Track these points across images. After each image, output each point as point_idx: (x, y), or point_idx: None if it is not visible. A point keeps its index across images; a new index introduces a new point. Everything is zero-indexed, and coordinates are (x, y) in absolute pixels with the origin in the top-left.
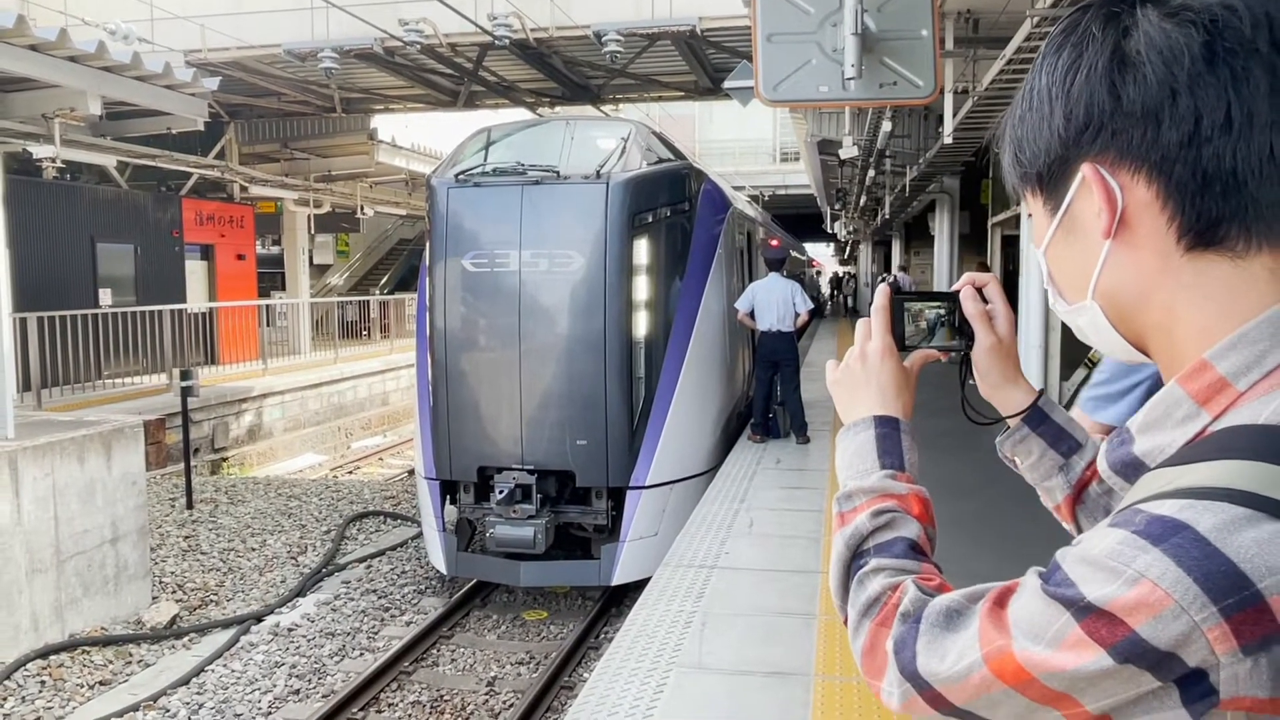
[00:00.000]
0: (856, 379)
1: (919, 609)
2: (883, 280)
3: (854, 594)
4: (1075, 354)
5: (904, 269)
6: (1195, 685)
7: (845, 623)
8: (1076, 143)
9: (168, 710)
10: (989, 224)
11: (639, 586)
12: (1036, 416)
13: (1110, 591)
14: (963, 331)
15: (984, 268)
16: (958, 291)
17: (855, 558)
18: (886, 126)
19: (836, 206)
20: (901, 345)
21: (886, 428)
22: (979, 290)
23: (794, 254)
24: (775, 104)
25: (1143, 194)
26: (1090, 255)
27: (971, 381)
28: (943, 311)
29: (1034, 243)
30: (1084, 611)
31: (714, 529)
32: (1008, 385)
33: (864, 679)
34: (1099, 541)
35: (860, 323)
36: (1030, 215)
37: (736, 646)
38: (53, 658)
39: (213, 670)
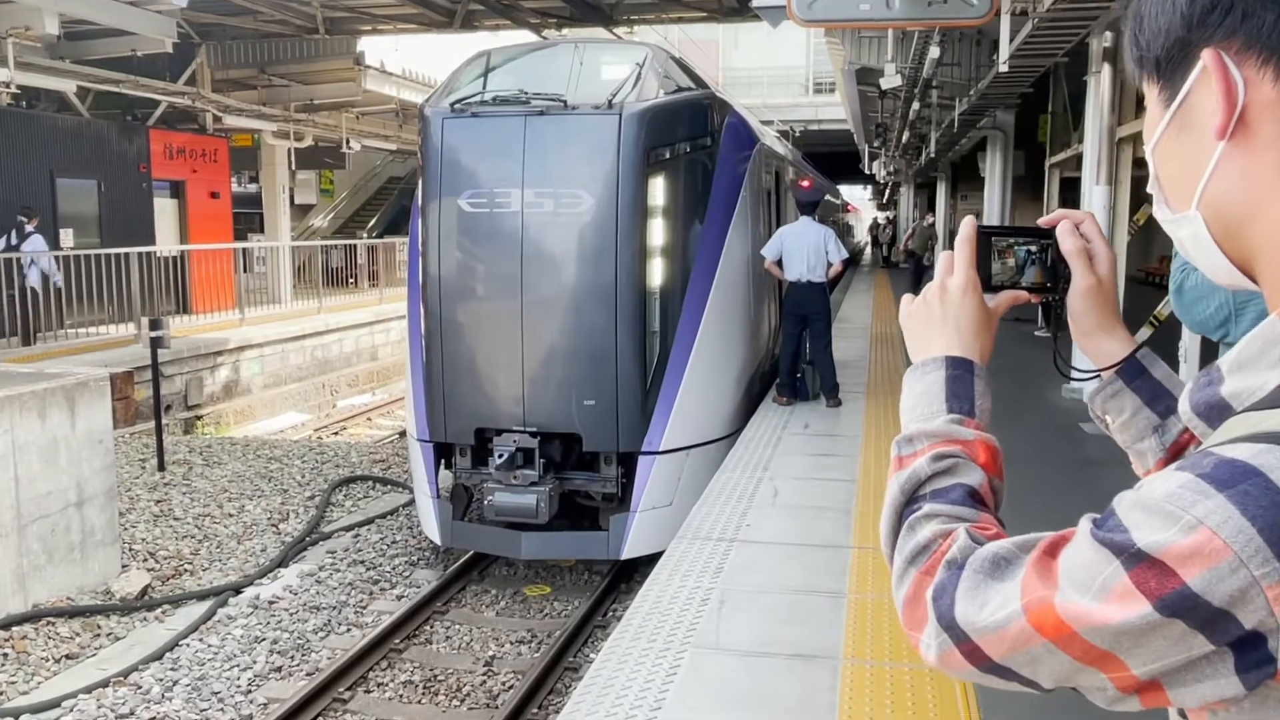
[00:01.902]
0: (933, 314)
1: (966, 556)
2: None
3: (903, 540)
4: (1139, 311)
5: (978, 216)
6: (1251, 651)
7: (891, 570)
8: (1201, 23)
9: (139, 687)
10: (1046, 164)
11: (651, 561)
12: (1133, 369)
13: (1163, 538)
14: (1057, 271)
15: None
16: (1053, 227)
17: (909, 503)
18: (934, 52)
19: (875, 144)
20: (987, 284)
21: (959, 369)
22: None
23: (828, 197)
24: (810, 25)
25: (1268, 92)
26: (1201, 157)
27: (1049, 336)
28: (1034, 249)
29: (1144, 137)
30: (1134, 560)
31: (734, 499)
32: (1103, 333)
33: (906, 632)
34: (1160, 484)
35: (942, 255)
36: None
37: (758, 626)
38: (15, 629)
39: (187, 645)
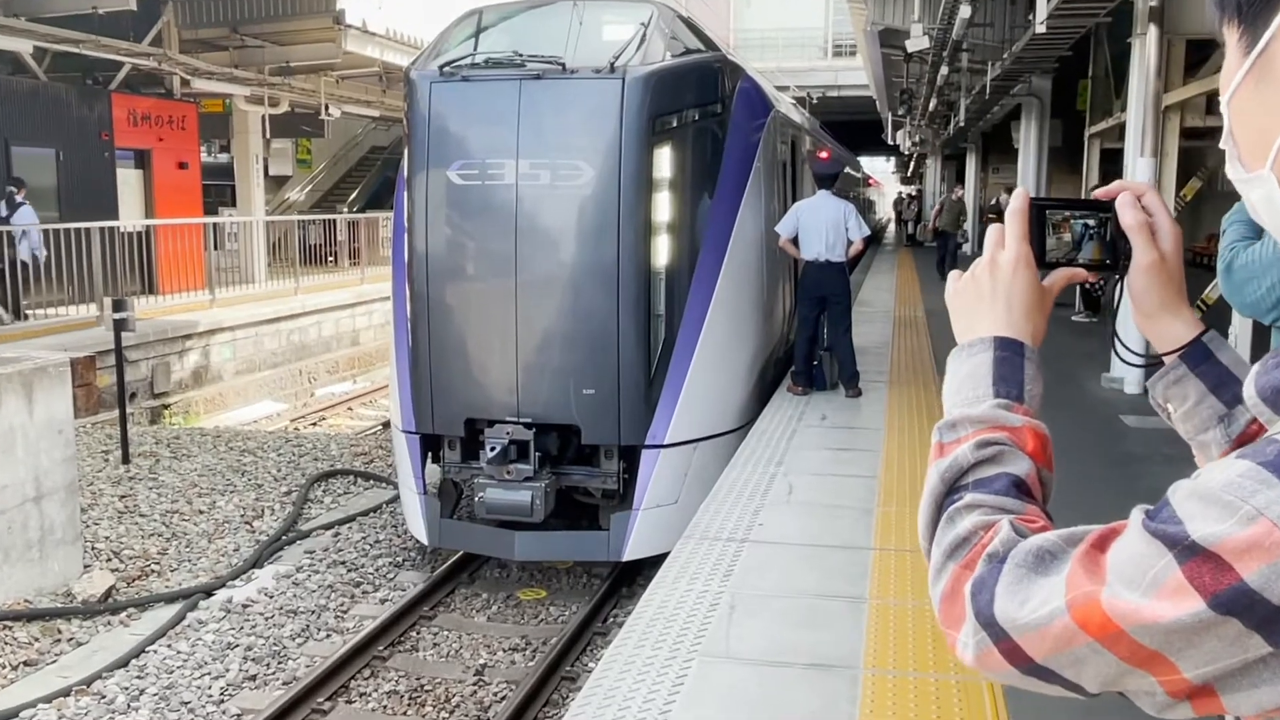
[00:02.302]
0: (981, 291)
1: (1008, 549)
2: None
3: (941, 532)
4: (1190, 291)
5: (1009, 190)
6: None
7: (929, 565)
8: None
9: (103, 696)
10: (1085, 135)
11: (655, 563)
12: (1198, 353)
13: (1220, 530)
14: (1117, 247)
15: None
16: (1112, 199)
17: (950, 493)
18: (965, 12)
19: (900, 112)
20: (1041, 261)
21: (1008, 351)
22: (1134, 198)
23: (848, 169)
24: None
25: None
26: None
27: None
28: (1092, 223)
29: (1220, 88)
30: (1187, 553)
31: (746, 496)
32: (1167, 314)
33: (942, 630)
34: (1219, 473)
35: (992, 229)
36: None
37: (771, 633)
38: None
39: (155, 651)
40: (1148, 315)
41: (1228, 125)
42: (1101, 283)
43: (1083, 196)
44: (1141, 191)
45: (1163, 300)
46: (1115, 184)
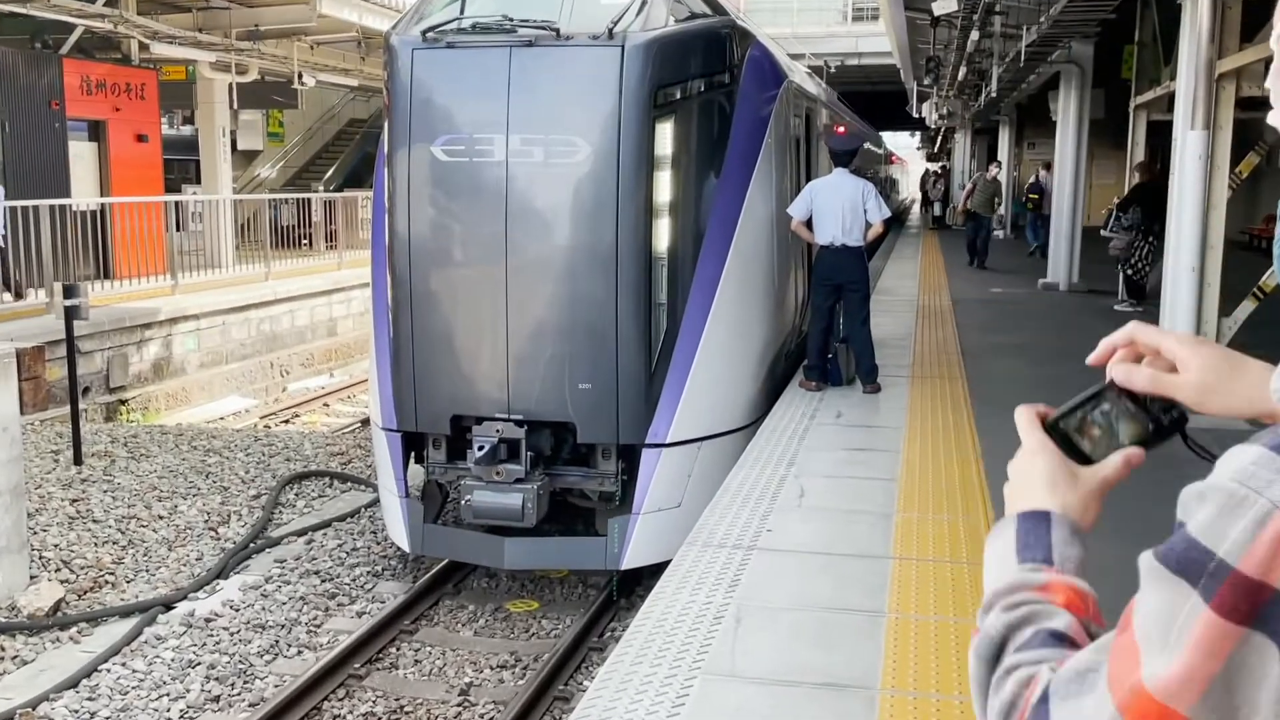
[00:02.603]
0: (1011, 485)
1: (1049, 687)
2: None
3: (990, 704)
4: (1243, 281)
5: (1048, 167)
6: None
7: None
8: None
9: (50, 719)
10: (1131, 105)
11: (656, 572)
12: None
13: (1236, 539)
14: (1151, 411)
15: (1148, 170)
16: (1111, 382)
17: (990, 670)
18: None
19: (926, 82)
20: (1089, 462)
21: (1032, 522)
22: (1131, 349)
23: (867, 145)
24: None
25: None
26: None
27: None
28: (1108, 406)
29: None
30: (1212, 582)
31: (754, 500)
32: (1239, 391)
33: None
34: (1230, 461)
35: (1016, 418)
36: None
37: (780, 649)
38: None
39: (108, 670)
40: (1224, 410)
41: (1277, 63)
42: (1146, 265)
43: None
44: (1128, 341)
45: (1230, 388)
46: (1100, 347)
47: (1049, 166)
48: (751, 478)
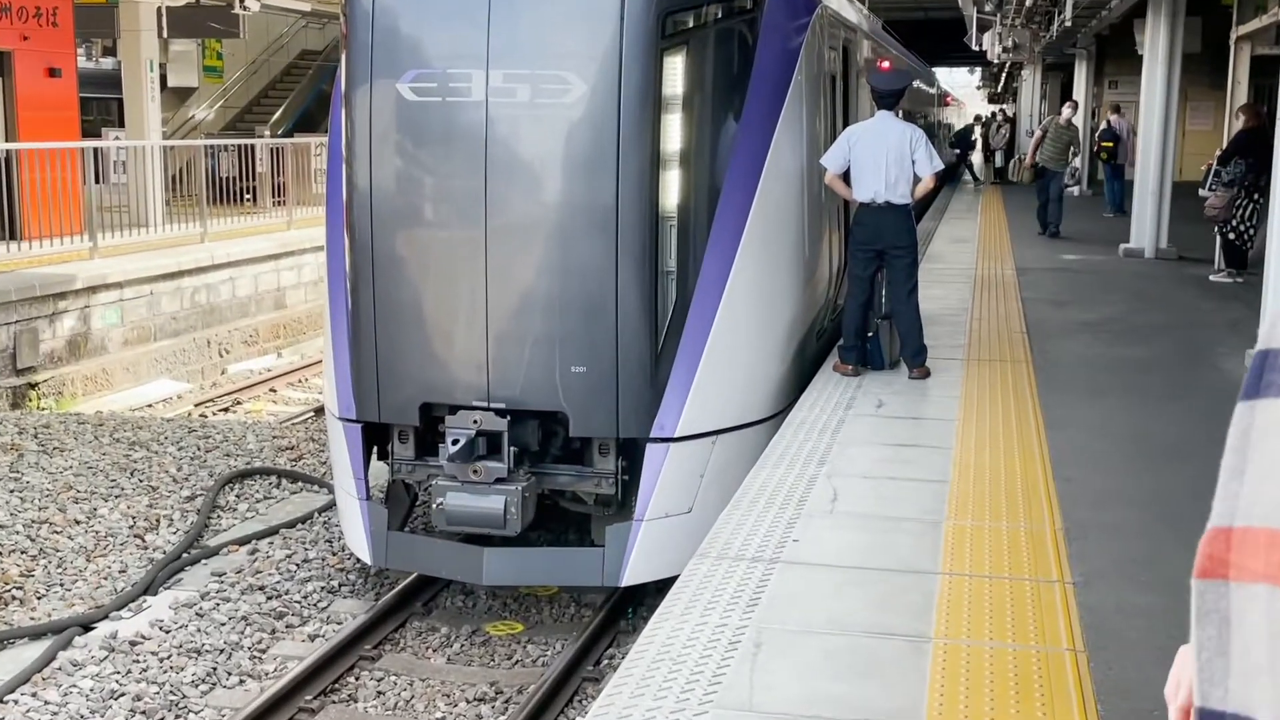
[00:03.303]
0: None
1: None
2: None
3: None
4: None
5: (1118, 110)
6: None
7: None
8: None
9: None
10: (1232, 37)
11: (662, 589)
12: None
13: None
14: None
15: (1253, 114)
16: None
17: None
18: None
19: (988, 9)
20: None
21: None
22: None
23: (916, 83)
24: None
25: None
26: None
27: None
28: None
29: None
30: None
31: (778, 504)
32: None
33: None
34: None
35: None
36: None
37: (806, 680)
38: None
39: (16, 701)
40: None
41: None
42: (1249, 228)
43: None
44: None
45: None
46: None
47: (1119, 110)
48: (775, 478)
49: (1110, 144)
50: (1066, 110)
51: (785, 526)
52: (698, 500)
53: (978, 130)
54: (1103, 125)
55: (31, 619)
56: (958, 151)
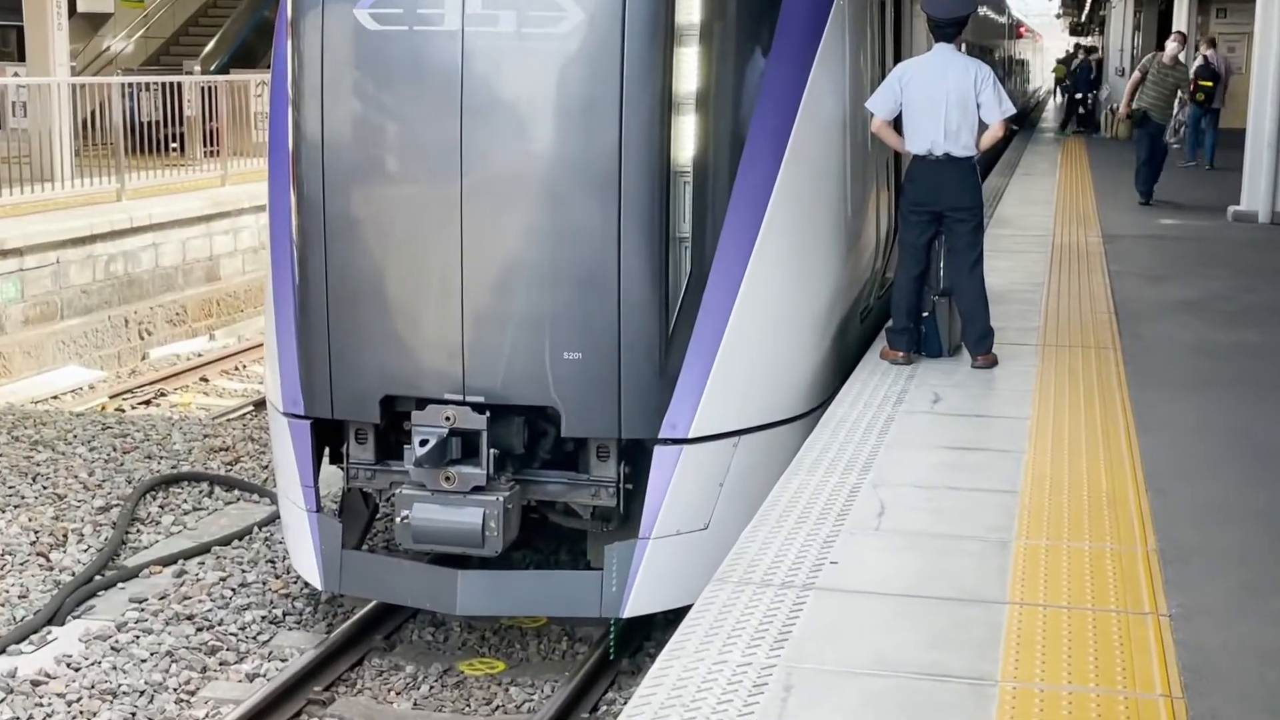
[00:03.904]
0: None
1: None
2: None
3: None
4: None
5: (1212, 44)
6: None
7: None
8: None
9: None
10: None
11: (673, 620)
12: None
13: None
14: None
15: None
16: None
17: None
18: None
19: None
20: None
21: None
22: None
23: (984, 10)
24: None
25: None
26: None
27: None
28: None
29: None
30: None
31: (812, 520)
32: None
33: None
34: None
35: None
36: None
37: None
38: None
39: None
40: None
41: None
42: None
43: None
44: None
45: None
46: None
47: (1214, 43)
48: (810, 488)
49: (1209, 83)
50: (1172, 45)
51: (821, 546)
52: (716, 514)
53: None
54: (1198, 61)
55: None
56: (1068, 94)
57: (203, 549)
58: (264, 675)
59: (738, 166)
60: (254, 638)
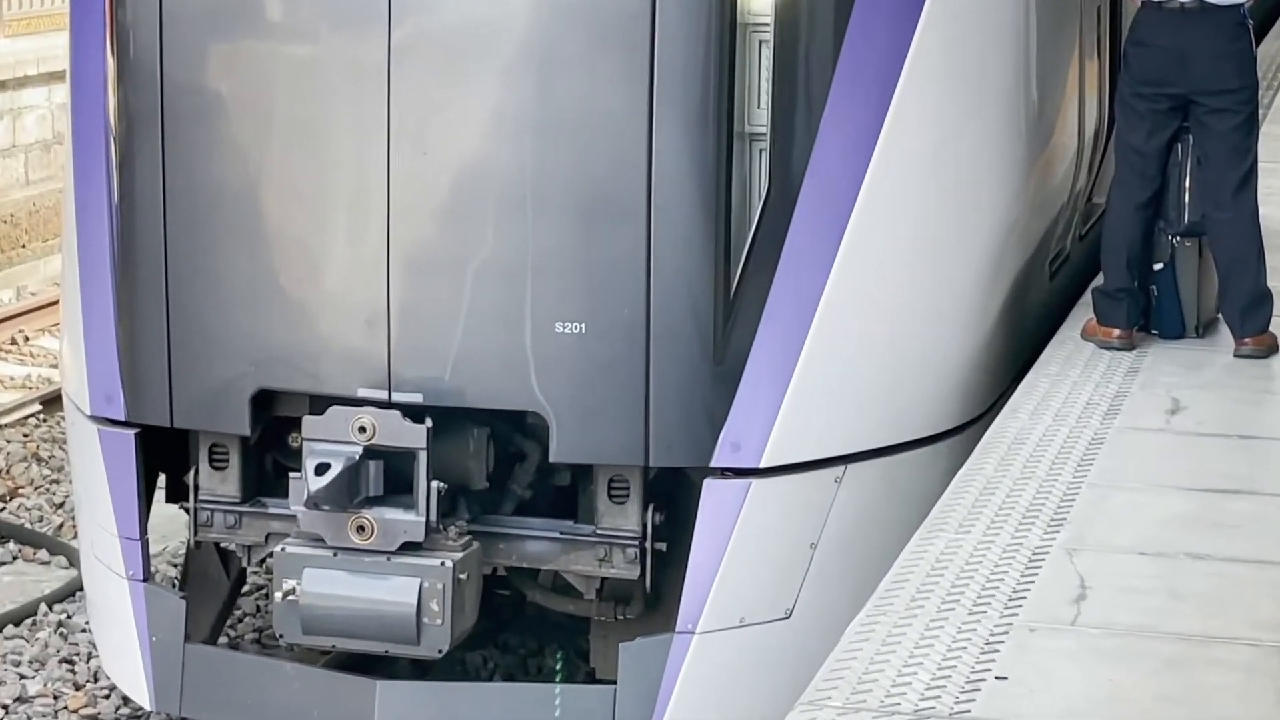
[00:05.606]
0: None
1: None
2: None
3: None
4: None
5: None
6: None
7: None
8: None
9: None
10: None
11: None
12: None
13: None
14: None
15: None
16: None
17: None
18: None
19: None
20: None
21: None
22: None
23: None
24: None
25: None
26: None
27: None
28: None
29: None
30: None
31: (966, 605)
32: None
33: None
34: None
35: None
36: None
37: None
38: None
39: None
40: None
41: None
42: None
43: None
44: None
45: None
46: None
47: None
48: (963, 554)
49: None
50: None
51: (982, 651)
52: (804, 594)
53: None
54: None
55: None
56: None
57: None
58: None
59: (850, 11)
60: None
